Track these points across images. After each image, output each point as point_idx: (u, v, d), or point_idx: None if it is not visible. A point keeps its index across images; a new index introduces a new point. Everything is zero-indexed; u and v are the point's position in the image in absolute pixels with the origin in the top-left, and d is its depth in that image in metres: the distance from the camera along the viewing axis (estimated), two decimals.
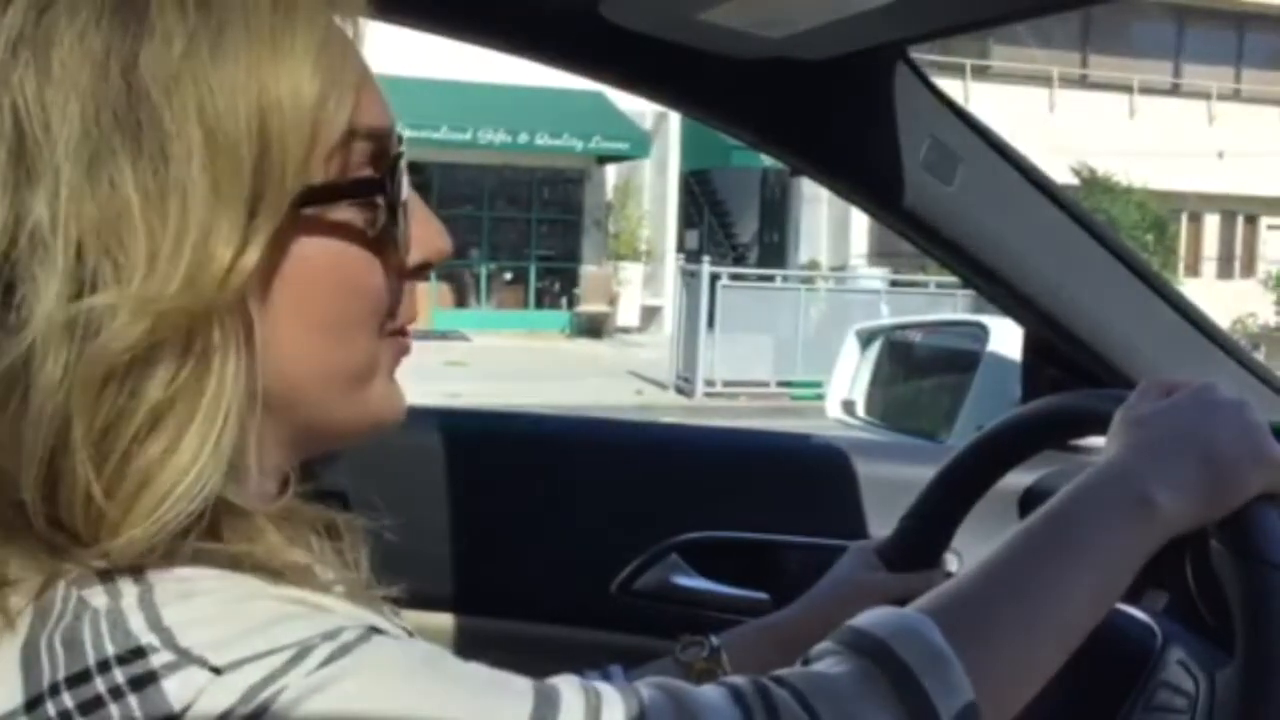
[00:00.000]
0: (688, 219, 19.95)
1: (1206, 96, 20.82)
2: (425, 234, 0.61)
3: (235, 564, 0.51)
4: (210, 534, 0.52)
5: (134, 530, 0.49)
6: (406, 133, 0.65)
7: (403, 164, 0.59)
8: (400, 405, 0.63)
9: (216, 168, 0.51)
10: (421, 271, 0.62)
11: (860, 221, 17.57)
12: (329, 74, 0.54)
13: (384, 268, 0.58)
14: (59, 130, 0.50)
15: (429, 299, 16.67)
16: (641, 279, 17.62)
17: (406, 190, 0.59)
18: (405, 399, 0.64)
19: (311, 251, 0.55)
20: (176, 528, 0.50)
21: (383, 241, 0.58)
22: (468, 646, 1.33)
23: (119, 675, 0.47)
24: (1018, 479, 1.29)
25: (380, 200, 0.57)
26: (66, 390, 0.49)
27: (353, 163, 0.57)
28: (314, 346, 0.57)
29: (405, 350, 0.64)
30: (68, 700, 0.47)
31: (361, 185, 0.57)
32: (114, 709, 0.47)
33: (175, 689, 0.47)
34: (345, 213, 0.57)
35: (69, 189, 0.49)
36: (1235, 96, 21.10)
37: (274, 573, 0.52)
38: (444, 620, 1.39)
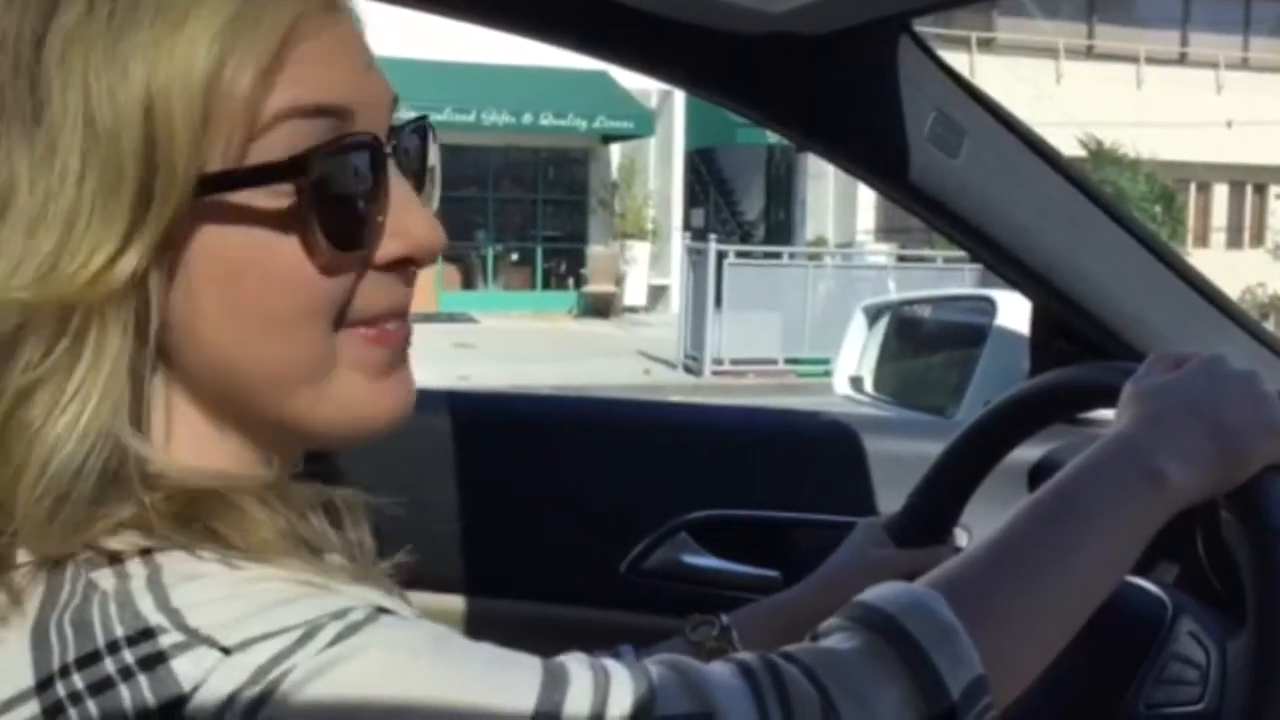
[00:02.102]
0: (693, 197, 19.90)
1: (1214, 66, 20.67)
2: (407, 226, 0.57)
3: (234, 549, 0.52)
4: (201, 519, 0.52)
5: (26, 508, 0.50)
6: (409, 115, 0.63)
7: (371, 146, 0.55)
8: (392, 403, 0.59)
9: (95, 156, 0.50)
10: (400, 267, 0.58)
11: (867, 197, 17.52)
12: (232, 50, 0.51)
13: (329, 259, 0.54)
14: None
15: (435, 282, 16.67)
16: (648, 258, 17.59)
17: (374, 175, 0.55)
18: (402, 395, 0.60)
19: (228, 240, 0.53)
20: (81, 507, 0.50)
21: (310, 230, 0.54)
22: (477, 628, 1.33)
23: (129, 656, 0.47)
24: (1027, 453, 1.29)
25: (306, 184, 0.53)
26: None
27: (264, 144, 0.53)
28: (250, 340, 0.55)
29: (393, 346, 0.59)
30: (78, 681, 0.47)
31: (266, 171, 0.53)
32: (124, 689, 0.47)
33: (185, 669, 0.47)
34: (264, 199, 0.53)
35: None
36: (1243, 65, 20.95)
37: (273, 555, 0.52)
38: (454, 602, 1.39)
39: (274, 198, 0.53)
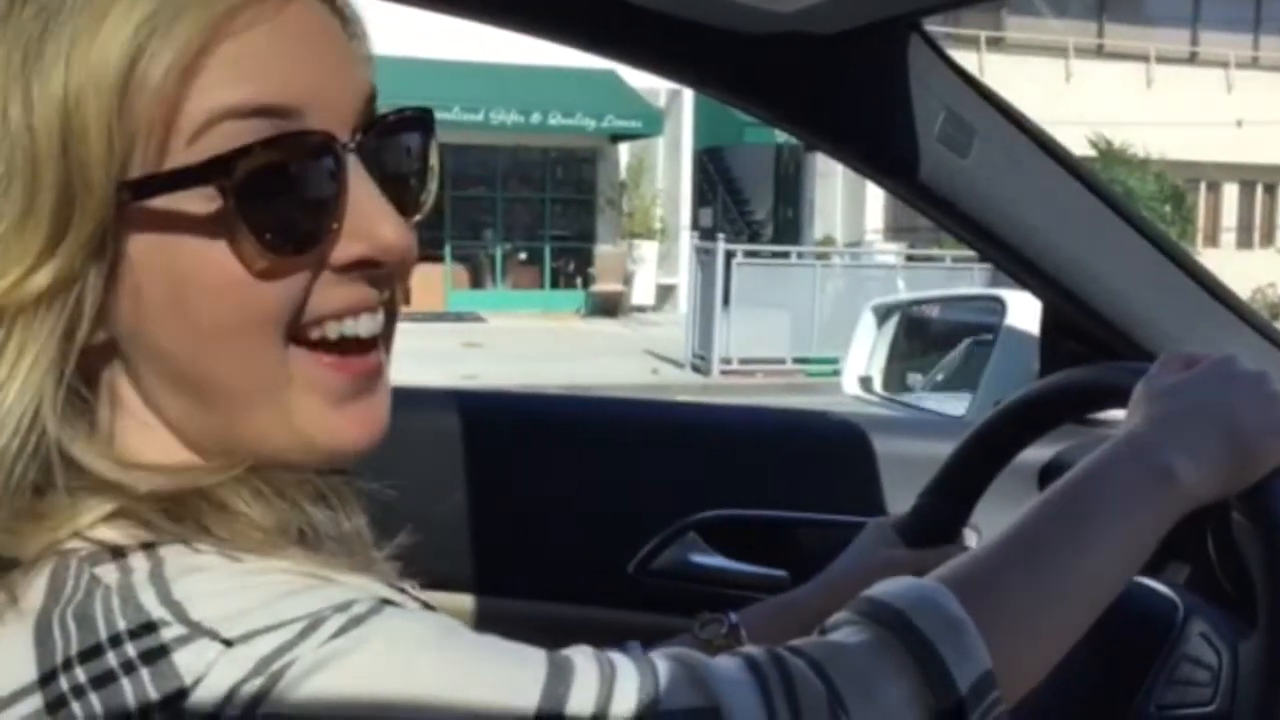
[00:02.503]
0: (702, 197, 19.89)
1: (1224, 65, 20.60)
2: (365, 226, 0.54)
3: (232, 541, 0.52)
4: (190, 515, 0.52)
5: None
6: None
7: (317, 146, 0.53)
8: (354, 436, 0.56)
9: (14, 164, 0.50)
10: (359, 268, 0.55)
11: (875, 196, 17.48)
12: (148, 45, 0.49)
13: (263, 264, 0.52)
14: None
15: (444, 281, 16.69)
16: (656, 258, 17.58)
17: (317, 174, 0.53)
18: (365, 427, 0.57)
19: (155, 249, 0.52)
20: (12, 505, 0.50)
21: (240, 235, 0.51)
22: (485, 627, 1.33)
23: (130, 649, 0.47)
24: (1037, 453, 1.28)
25: (232, 186, 0.51)
26: None
27: (205, 145, 0.51)
28: (196, 348, 0.53)
29: (352, 374, 0.56)
30: (80, 675, 0.47)
31: (185, 175, 0.51)
32: (126, 682, 0.47)
33: (186, 662, 0.47)
34: (188, 204, 0.51)
35: None
36: (1254, 64, 20.87)
37: (272, 547, 0.52)
38: (462, 601, 1.39)
39: (202, 202, 0.52)
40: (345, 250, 0.55)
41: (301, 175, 0.53)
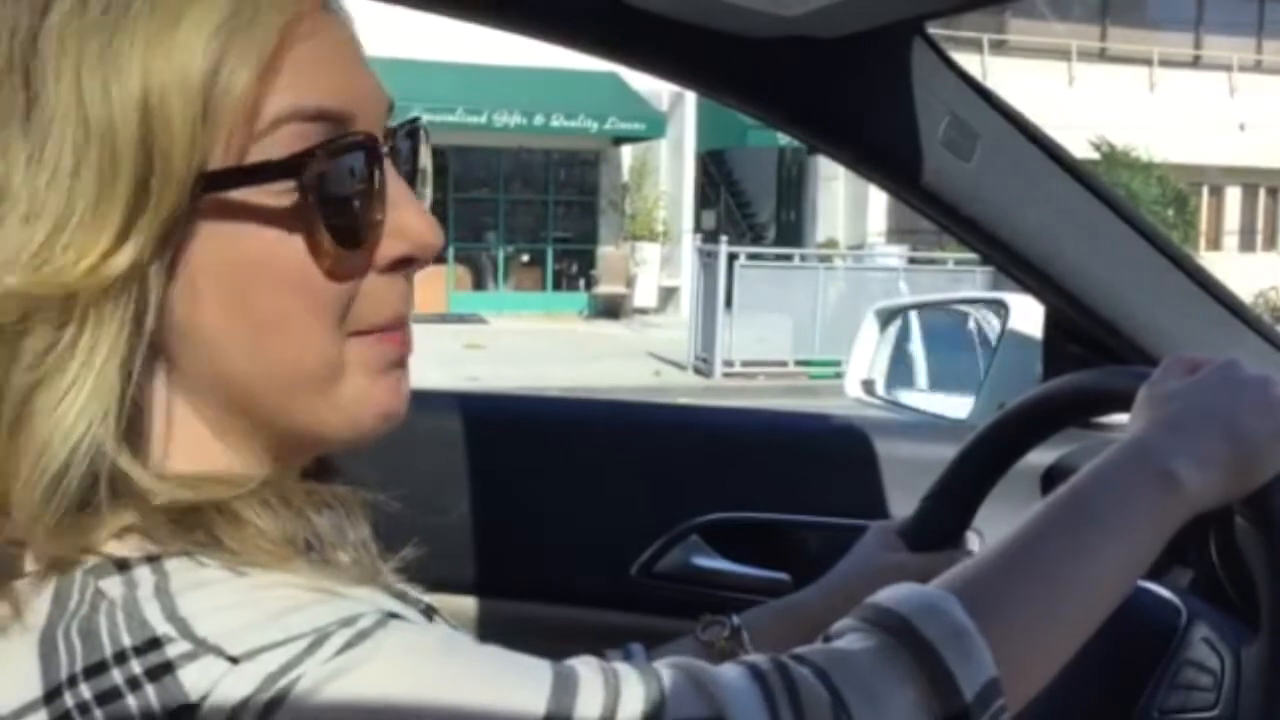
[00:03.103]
0: (704, 199, 19.89)
1: (1227, 68, 20.59)
2: (406, 225, 0.58)
3: (239, 553, 0.51)
4: (200, 526, 0.52)
5: (22, 510, 0.49)
6: (422, 116, 0.64)
7: (367, 146, 0.56)
8: (391, 403, 0.59)
9: (89, 150, 0.50)
10: (402, 266, 0.58)
11: (878, 199, 17.50)
12: (230, 47, 0.52)
13: (335, 259, 0.55)
14: None
15: (446, 282, 16.70)
16: (658, 260, 17.58)
17: (373, 174, 0.56)
18: (399, 395, 0.60)
19: (232, 240, 0.53)
20: (60, 508, 0.49)
21: (314, 229, 0.54)
22: (489, 630, 1.33)
23: (136, 666, 0.47)
24: (1040, 457, 1.28)
25: (307, 183, 0.53)
26: None
27: (266, 143, 0.53)
28: (254, 342, 0.55)
29: (397, 348, 0.59)
30: (85, 691, 0.47)
31: (271, 168, 0.53)
32: (131, 700, 0.47)
33: (192, 679, 0.47)
34: (267, 198, 0.53)
35: None
36: (1257, 68, 20.86)
37: (271, 560, 0.52)
38: (465, 604, 1.39)
39: (276, 197, 0.53)
40: (389, 249, 0.57)
41: (357, 175, 0.55)
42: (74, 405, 0.50)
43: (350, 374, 0.57)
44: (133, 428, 0.53)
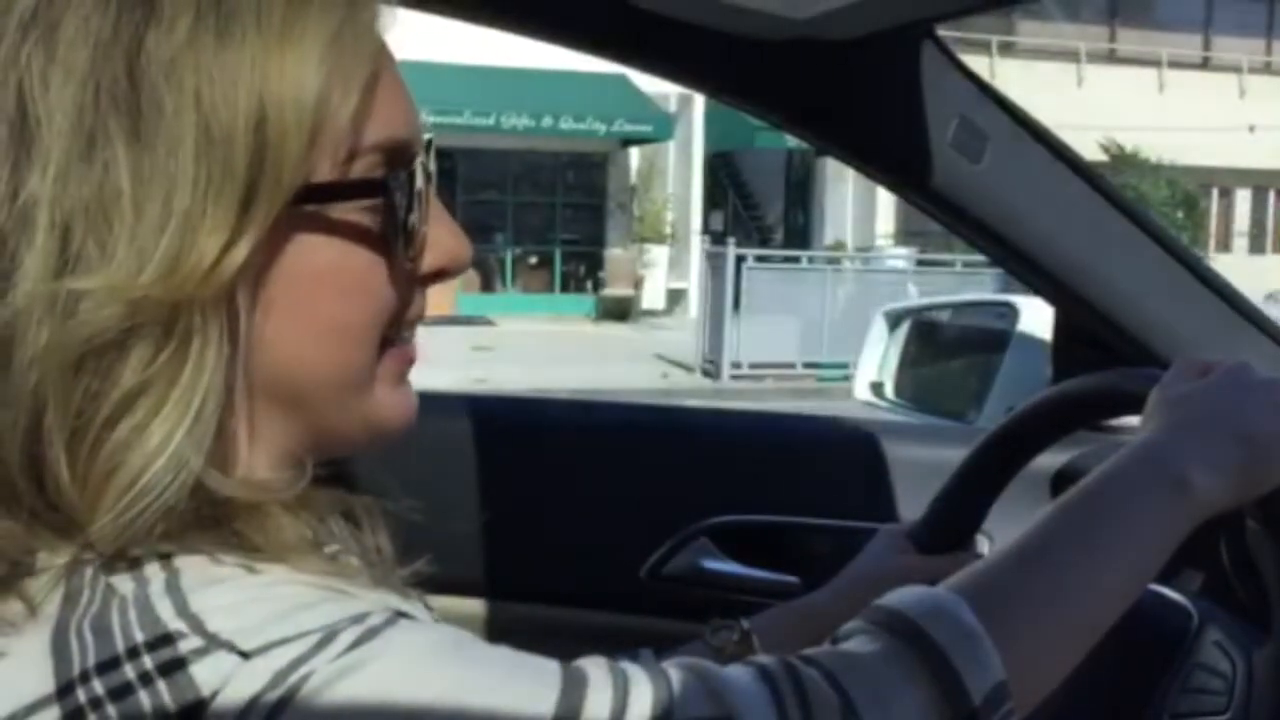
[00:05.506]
0: (712, 201, 19.90)
1: (1237, 70, 20.55)
2: (443, 239, 0.61)
3: (256, 551, 0.52)
4: (224, 522, 0.52)
5: (105, 517, 0.49)
6: (430, 118, 0.64)
7: (421, 166, 0.59)
8: (406, 410, 0.63)
9: (209, 158, 0.51)
10: (436, 278, 0.62)
11: (886, 201, 17.48)
12: (337, 70, 0.54)
13: (391, 271, 0.58)
14: (57, 109, 0.51)
15: (454, 284, 16.72)
16: (666, 262, 17.59)
17: (425, 194, 0.59)
18: (413, 402, 0.63)
19: (311, 250, 0.55)
20: (153, 516, 0.50)
21: (390, 245, 0.57)
22: (498, 632, 1.33)
23: (148, 662, 0.48)
24: (1050, 460, 1.28)
25: (387, 202, 0.57)
26: (41, 370, 0.50)
27: (360, 162, 0.56)
28: (317, 348, 0.57)
29: (410, 358, 0.63)
30: (98, 687, 0.48)
31: (366, 186, 0.56)
32: (144, 695, 0.47)
33: (204, 674, 0.47)
34: (350, 213, 0.56)
35: (59, 168, 0.50)
36: (1266, 69, 20.82)
37: (294, 559, 0.52)
38: (474, 606, 1.39)
39: (359, 213, 0.56)
40: (430, 262, 0.61)
41: (419, 194, 0.59)
42: (182, 419, 0.51)
43: (379, 382, 0.60)
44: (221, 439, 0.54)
